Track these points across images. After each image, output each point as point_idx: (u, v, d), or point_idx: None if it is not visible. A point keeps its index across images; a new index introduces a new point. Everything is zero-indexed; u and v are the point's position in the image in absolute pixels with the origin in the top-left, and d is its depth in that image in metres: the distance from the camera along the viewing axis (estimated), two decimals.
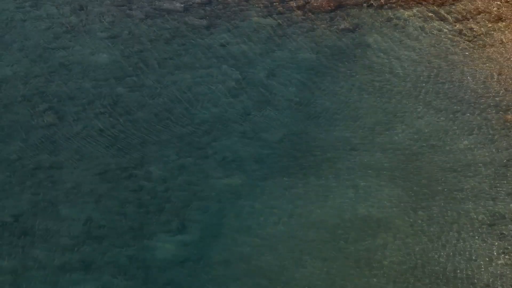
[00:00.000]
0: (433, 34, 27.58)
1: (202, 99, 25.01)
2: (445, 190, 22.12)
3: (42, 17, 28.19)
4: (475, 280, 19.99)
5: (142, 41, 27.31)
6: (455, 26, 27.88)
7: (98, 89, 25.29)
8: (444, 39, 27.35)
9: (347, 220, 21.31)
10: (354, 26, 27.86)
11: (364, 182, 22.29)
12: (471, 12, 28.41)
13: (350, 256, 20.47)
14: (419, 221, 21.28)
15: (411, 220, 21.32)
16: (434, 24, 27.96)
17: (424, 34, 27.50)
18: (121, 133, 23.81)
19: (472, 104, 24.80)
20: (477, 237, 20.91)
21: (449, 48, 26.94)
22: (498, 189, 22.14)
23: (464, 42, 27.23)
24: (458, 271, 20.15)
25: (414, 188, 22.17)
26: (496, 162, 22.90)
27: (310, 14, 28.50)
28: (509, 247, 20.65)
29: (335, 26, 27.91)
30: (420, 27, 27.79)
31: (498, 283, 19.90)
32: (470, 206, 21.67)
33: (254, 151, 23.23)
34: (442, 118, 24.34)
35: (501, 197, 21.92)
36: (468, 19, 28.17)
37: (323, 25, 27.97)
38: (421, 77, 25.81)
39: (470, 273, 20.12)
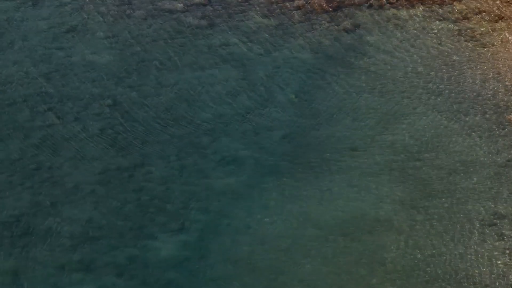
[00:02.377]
0: (434, 34, 27.56)
1: (202, 99, 25.02)
2: (446, 190, 22.12)
3: (42, 17, 28.20)
4: (476, 280, 19.98)
5: (142, 41, 27.32)
6: (456, 25, 27.87)
7: (98, 89, 25.31)
8: (444, 39, 27.34)
9: (348, 220, 21.31)
10: (354, 26, 27.86)
11: (365, 182, 22.29)
12: (471, 11, 28.40)
13: (351, 256, 20.47)
14: (420, 221, 21.28)
15: (412, 219, 21.32)
16: (435, 24, 27.95)
17: (424, 34, 27.49)
18: (121, 133, 23.81)
19: (472, 104, 24.80)
20: (477, 237, 20.90)
21: (449, 48, 26.93)
22: (498, 189, 22.13)
23: (464, 42, 27.22)
24: (459, 271, 20.14)
25: (415, 188, 22.16)
26: (496, 162, 22.89)
27: (310, 14, 28.50)
28: (509, 247, 20.64)
29: (335, 26, 27.90)
30: (420, 27, 27.78)
31: (499, 283, 19.89)
32: (470, 206, 21.67)
33: (254, 151, 23.23)
34: (442, 118, 24.33)
35: (501, 197, 21.92)
36: (468, 19, 28.16)
37: (323, 25, 27.96)
38: (422, 77, 25.80)
39: (470, 273, 20.11)
